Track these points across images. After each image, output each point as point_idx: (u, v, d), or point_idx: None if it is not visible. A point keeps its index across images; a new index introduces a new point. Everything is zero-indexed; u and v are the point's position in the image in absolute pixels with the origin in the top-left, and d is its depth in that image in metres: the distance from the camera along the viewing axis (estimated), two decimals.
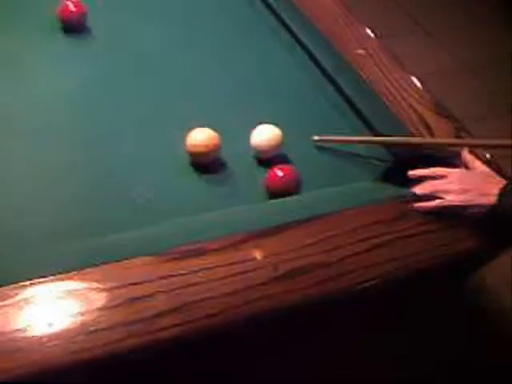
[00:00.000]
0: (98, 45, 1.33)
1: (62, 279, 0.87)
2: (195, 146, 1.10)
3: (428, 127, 1.16)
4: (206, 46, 1.35)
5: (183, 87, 1.25)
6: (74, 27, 1.35)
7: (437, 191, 1.02)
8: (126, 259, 0.89)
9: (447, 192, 1.01)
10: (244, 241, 0.93)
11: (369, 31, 1.35)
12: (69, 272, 0.88)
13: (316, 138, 1.17)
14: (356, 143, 1.18)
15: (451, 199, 1.00)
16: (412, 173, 1.05)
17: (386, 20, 2.29)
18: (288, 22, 1.40)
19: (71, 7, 1.34)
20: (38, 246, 0.95)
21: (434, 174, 1.04)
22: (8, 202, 1.03)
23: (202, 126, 1.11)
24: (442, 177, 1.03)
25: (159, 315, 0.84)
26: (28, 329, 0.82)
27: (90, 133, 1.16)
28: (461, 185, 1.01)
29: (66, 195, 1.06)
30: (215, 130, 1.11)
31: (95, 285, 0.86)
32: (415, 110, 1.19)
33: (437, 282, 1.06)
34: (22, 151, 1.11)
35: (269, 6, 1.45)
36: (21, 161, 1.10)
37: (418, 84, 1.24)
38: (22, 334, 0.81)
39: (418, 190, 1.03)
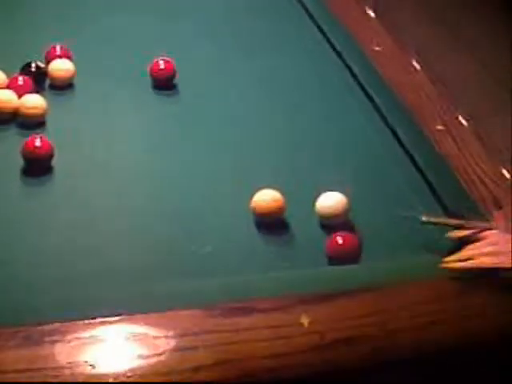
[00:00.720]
0: (184, 103, 1.40)
1: (111, 322, 0.89)
2: (260, 205, 1.11)
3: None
4: (280, 107, 1.39)
5: (254, 145, 1.29)
6: (163, 84, 1.41)
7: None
8: (174, 309, 0.90)
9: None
10: (294, 305, 0.93)
11: (451, 107, 1.34)
12: (118, 315, 0.90)
13: (424, 218, 1.11)
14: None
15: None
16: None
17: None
18: (362, 81, 1.42)
19: (161, 65, 1.40)
20: (102, 286, 0.98)
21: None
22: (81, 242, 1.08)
23: (269, 184, 1.13)
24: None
25: (198, 368, 0.84)
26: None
27: (164, 182, 1.21)
28: None
29: (132, 240, 1.09)
30: (280, 190, 1.12)
31: (141, 330, 0.88)
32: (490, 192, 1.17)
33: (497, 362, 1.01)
34: (104, 196, 1.17)
35: (349, 69, 1.47)
36: (101, 206, 1.16)
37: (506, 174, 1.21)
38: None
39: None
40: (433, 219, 1.11)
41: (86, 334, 0.87)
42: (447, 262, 1.00)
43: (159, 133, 1.32)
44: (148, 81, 1.43)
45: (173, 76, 1.42)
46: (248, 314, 0.91)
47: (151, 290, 0.96)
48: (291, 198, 1.12)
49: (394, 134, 1.30)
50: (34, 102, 1.31)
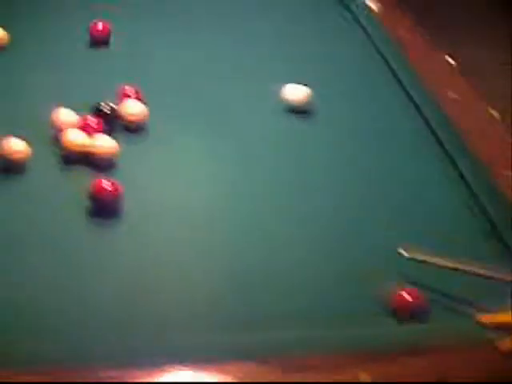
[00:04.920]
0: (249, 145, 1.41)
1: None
2: None
3: None
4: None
5: (328, 190, 1.30)
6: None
7: None
8: (230, 361, 0.89)
9: None
10: (350, 362, 0.90)
11: None
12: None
13: (404, 253, 1.08)
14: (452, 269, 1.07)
15: None
16: None
17: None
18: (436, 128, 1.40)
19: None
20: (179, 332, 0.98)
21: None
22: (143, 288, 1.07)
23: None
24: None
25: None
26: None
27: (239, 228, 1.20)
28: None
29: (196, 289, 1.08)
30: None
31: (199, 379, 0.88)
32: None
33: None
34: (171, 242, 1.18)
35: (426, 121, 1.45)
36: (168, 251, 1.16)
37: None
38: None
39: None
40: (418, 256, 1.07)
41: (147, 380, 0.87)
42: (483, 319, 0.97)
43: (230, 178, 1.32)
44: (216, 123, 1.43)
45: None
46: (301, 370, 0.89)
47: (214, 340, 0.95)
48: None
49: (467, 184, 1.28)
50: (105, 143, 1.31)
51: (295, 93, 1.49)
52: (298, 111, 1.48)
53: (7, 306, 1.01)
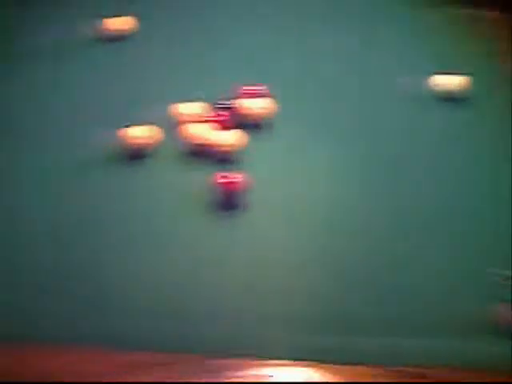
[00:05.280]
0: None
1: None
2: None
3: None
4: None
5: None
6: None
7: None
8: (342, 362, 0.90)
9: None
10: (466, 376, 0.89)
11: None
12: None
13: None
14: None
15: None
16: None
17: None
18: None
19: None
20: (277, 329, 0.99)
21: None
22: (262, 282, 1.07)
23: None
24: None
25: None
26: None
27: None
28: None
29: (318, 288, 1.07)
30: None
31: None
32: None
33: None
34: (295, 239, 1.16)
35: None
36: (291, 247, 1.14)
37: None
38: None
39: None
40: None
41: (258, 372, 0.90)
42: None
43: (362, 176, 1.28)
44: (345, 122, 1.40)
45: None
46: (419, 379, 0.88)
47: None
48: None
49: None
50: (230, 137, 1.29)
51: (447, 82, 1.43)
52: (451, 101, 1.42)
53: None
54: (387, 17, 1.76)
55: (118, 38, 1.64)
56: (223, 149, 1.29)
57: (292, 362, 0.92)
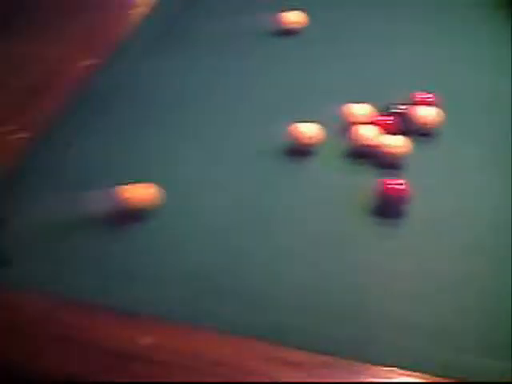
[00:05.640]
0: None
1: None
2: None
3: None
4: None
5: None
6: None
7: None
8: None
9: None
10: None
11: None
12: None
13: None
14: None
15: None
16: None
17: None
18: None
19: None
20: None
21: None
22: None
23: None
24: None
25: None
26: None
27: None
28: None
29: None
30: None
31: None
32: None
33: None
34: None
35: None
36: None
37: None
38: None
39: None
40: None
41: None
42: None
43: None
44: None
45: None
46: None
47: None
48: None
49: None
50: (397, 142, 1.29)
51: None
52: None
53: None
54: None
55: (291, 32, 1.67)
56: (389, 153, 1.28)
57: (435, 377, 0.89)
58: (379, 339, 0.96)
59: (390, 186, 1.19)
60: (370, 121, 1.35)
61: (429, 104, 1.40)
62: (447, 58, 1.61)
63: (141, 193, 1.17)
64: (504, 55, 1.60)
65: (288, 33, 1.67)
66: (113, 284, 1.03)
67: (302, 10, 1.70)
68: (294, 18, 1.68)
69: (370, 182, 1.23)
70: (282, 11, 1.69)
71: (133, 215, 1.16)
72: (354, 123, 1.35)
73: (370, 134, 1.31)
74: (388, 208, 1.19)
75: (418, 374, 0.89)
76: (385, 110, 1.38)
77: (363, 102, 1.39)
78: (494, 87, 1.50)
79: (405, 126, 1.36)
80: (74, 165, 1.28)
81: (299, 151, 1.31)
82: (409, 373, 0.89)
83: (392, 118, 1.36)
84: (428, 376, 0.89)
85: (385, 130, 1.33)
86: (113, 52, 1.51)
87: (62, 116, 1.33)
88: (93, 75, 1.44)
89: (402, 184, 1.19)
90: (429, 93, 1.43)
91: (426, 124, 1.37)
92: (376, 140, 1.31)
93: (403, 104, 1.39)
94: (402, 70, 1.57)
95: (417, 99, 1.41)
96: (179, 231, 1.16)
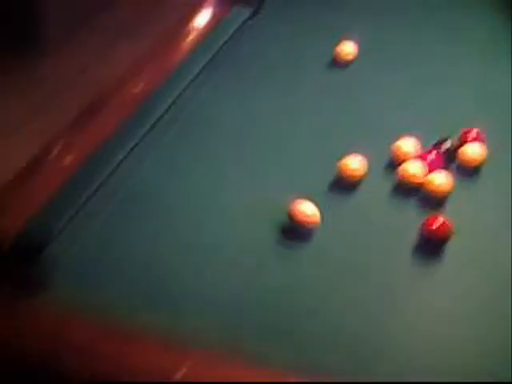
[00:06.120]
0: None
1: None
2: None
3: None
4: None
5: None
6: None
7: None
8: None
9: None
10: None
11: None
12: None
13: None
14: None
15: None
16: None
17: None
18: None
19: None
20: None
21: None
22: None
23: None
24: None
25: None
26: None
27: None
28: None
29: None
30: None
31: None
32: None
33: None
34: None
35: None
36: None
37: None
38: None
39: None
40: None
41: None
42: None
43: None
44: None
45: None
46: None
47: None
48: None
49: None
50: (441, 179, 1.31)
51: None
52: None
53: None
54: None
55: (343, 64, 1.70)
56: (435, 191, 1.31)
57: None
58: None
59: (435, 226, 1.21)
60: (417, 156, 1.37)
61: (476, 140, 1.41)
62: (496, 92, 1.62)
63: None
64: None
65: (340, 64, 1.70)
66: None
67: (354, 40, 1.72)
68: (346, 49, 1.70)
69: (415, 218, 1.25)
70: (338, 43, 1.71)
71: None
72: (402, 159, 1.37)
73: (418, 171, 1.33)
74: (431, 247, 1.21)
75: None
76: (432, 146, 1.40)
77: (411, 136, 1.40)
78: None
79: (451, 163, 1.38)
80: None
81: (346, 185, 1.34)
82: None
83: (438, 153, 1.38)
84: None
85: (432, 165, 1.35)
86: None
87: (113, 140, 1.37)
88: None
89: (446, 223, 1.21)
90: (477, 128, 1.43)
91: (472, 161, 1.38)
92: (421, 177, 1.33)
93: (451, 139, 1.41)
94: (453, 103, 1.58)
95: (464, 135, 1.43)
96: None
